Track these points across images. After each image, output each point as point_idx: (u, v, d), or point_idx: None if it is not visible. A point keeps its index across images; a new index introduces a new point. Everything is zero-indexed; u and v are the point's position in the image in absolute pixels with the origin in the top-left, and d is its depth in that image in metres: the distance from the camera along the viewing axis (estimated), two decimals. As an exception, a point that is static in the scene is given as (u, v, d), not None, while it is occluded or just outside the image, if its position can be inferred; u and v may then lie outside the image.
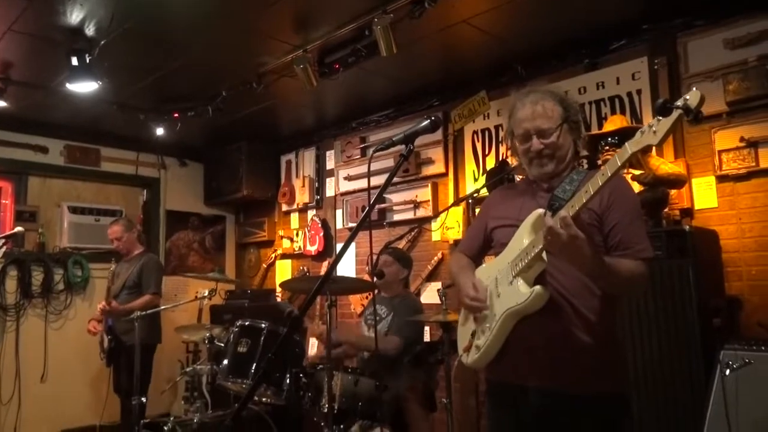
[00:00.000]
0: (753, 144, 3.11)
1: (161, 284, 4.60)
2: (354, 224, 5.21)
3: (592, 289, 1.72)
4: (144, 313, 3.89)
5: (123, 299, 4.43)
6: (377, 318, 3.72)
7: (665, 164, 3.13)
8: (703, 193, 3.28)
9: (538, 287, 1.68)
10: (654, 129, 1.38)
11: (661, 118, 1.36)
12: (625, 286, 1.72)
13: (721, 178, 3.23)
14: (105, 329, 4.45)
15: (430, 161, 4.71)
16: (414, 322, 3.58)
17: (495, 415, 1.92)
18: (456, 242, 4.35)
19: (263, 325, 3.34)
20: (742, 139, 3.14)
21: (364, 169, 5.19)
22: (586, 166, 3.45)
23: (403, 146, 1.74)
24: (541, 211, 1.72)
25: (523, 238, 1.75)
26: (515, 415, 1.79)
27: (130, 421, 3.74)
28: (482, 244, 2.05)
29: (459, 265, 2.06)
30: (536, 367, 1.72)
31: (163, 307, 4.27)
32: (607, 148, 3.20)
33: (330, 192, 5.56)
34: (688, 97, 1.33)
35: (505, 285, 1.76)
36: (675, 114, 1.33)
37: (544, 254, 1.65)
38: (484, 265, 1.99)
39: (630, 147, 1.43)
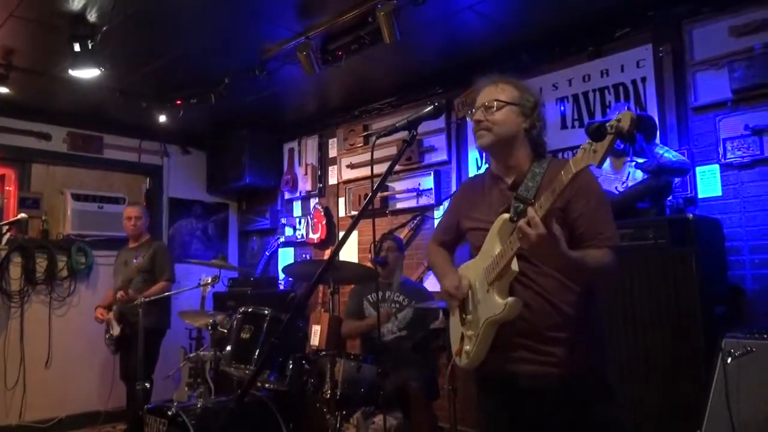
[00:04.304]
0: (758, 132, 3.09)
1: (174, 271, 4.63)
2: (356, 212, 5.20)
3: (569, 286, 1.77)
4: (149, 299, 3.92)
5: (136, 286, 4.43)
6: (389, 302, 3.80)
7: (669, 152, 3.12)
8: (707, 182, 3.27)
9: (510, 299, 1.71)
10: (594, 149, 1.44)
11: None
12: (595, 277, 1.77)
13: (726, 167, 3.21)
14: (116, 316, 4.46)
15: (432, 149, 4.70)
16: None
17: (485, 402, 1.97)
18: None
19: (266, 312, 3.36)
20: (746, 128, 3.12)
21: (366, 157, 5.18)
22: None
23: (407, 132, 1.75)
24: (506, 216, 1.77)
25: (494, 246, 1.78)
26: (503, 401, 1.85)
27: (136, 406, 3.77)
28: (454, 238, 2.13)
29: (443, 258, 2.12)
30: (521, 359, 1.77)
31: (166, 293, 4.29)
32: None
33: (333, 180, 5.56)
34: (619, 119, 1.39)
35: (483, 292, 1.80)
36: (608, 139, 1.41)
37: (514, 264, 1.69)
38: (462, 265, 2.02)
39: (574, 166, 1.49)
